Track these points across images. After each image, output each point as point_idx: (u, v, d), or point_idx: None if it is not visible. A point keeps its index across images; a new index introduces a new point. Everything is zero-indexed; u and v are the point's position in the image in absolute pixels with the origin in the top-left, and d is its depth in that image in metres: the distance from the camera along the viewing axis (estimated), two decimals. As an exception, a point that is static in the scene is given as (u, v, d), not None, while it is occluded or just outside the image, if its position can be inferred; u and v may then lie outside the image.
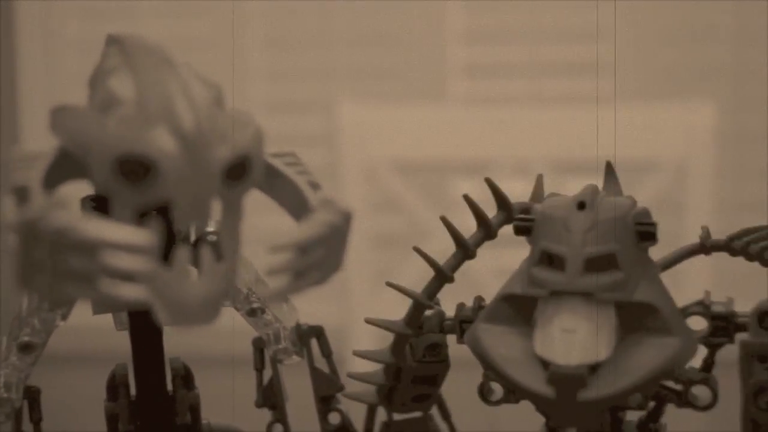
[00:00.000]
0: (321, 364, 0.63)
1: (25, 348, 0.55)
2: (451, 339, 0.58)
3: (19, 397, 0.56)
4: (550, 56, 1.89)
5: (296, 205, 0.49)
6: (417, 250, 0.57)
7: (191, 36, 1.93)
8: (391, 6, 1.91)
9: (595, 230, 0.50)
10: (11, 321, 0.56)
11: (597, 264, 0.50)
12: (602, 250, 0.50)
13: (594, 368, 0.49)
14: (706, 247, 0.55)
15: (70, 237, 0.39)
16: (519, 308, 0.52)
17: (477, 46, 1.93)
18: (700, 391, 0.55)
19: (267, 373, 0.62)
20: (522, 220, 0.53)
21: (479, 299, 0.57)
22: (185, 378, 0.58)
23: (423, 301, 0.57)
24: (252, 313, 0.59)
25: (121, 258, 0.40)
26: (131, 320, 0.56)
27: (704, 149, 1.63)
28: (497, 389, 0.57)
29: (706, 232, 0.55)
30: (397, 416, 0.63)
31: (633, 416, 0.57)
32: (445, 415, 0.64)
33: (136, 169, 0.42)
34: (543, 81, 1.90)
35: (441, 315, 0.58)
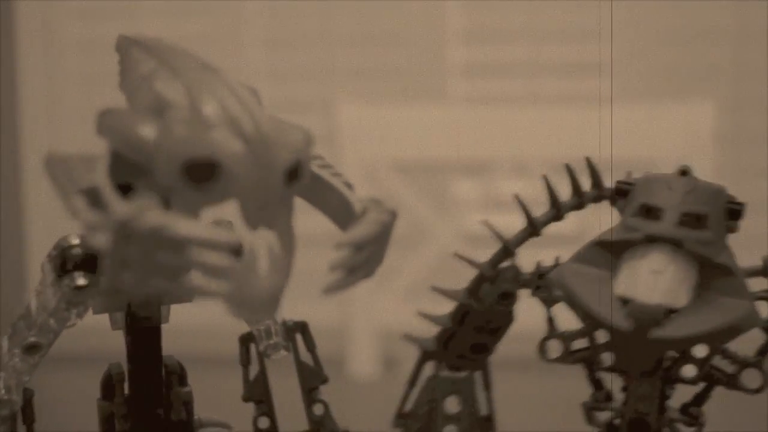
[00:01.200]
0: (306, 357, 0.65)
1: (31, 348, 0.56)
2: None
3: (20, 399, 0.56)
4: (550, 56, 1.89)
5: (338, 209, 0.51)
6: (486, 223, 0.61)
7: (191, 36, 1.93)
8: (391, 6, 1.91)
9: (694, 193, 0.56)
10: (13, 323, 0.56)
11: (690, 221, 0.55)
12: (698, 209, 0.55)
13: (671, 312, 0.54)
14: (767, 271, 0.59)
15: (164, 235, 0.41)
16: (608, 254, 0.56)
17: (477, 46, 1.93)
18: (751, 376, 0.57)
19: (252, 369, 0.64)
20: (623, 183, 0.58)
21: (558, 259, 0.60)
22: (179, 375, 0.58)
23: (509, 246, 0.61)
24: None
25: (207, 254, 0.42)
26: (130, 319, 0.56)
27: (704, 149, 1.63)
28: (554, 347, 0.59)
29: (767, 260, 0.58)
30: (444, 374, 0.65)
31: (676, 402, 0.59)
32: (487, 384, 0.66)
33: (201, 171, 0.43)
34: (543, 81, 1.90)
35: (516, 268, 0.62)
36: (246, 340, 0.63)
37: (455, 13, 1.93)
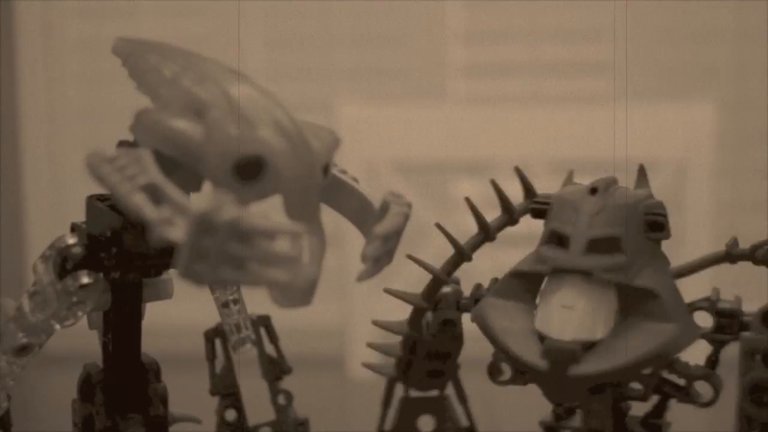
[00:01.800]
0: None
1: (22, 350, 0.55)
2: (466, 319, 0.60)
3: (6, 403, 0.57)
4: (550, 56, 1.89)
5: (358, 209, 0.54)
6: (438, 225, 0.60)
7: (191, 36, 1.93)
8: (391, 6, 1.91)
9: (602, 214, 0.52)
10: (1, 327, 0.56)
11: (600, 246, 0.52)
12: (606, 232, 0.52)
13: (590, 346, 0.51)
14: (732, 256, 0.56)
15: (242, 227, 0.43)
16: (527, 285, 0.54)
17: (477, 46, 1.93)
18: (703, 388, 0.55)
19: (217, 364, 0.66)
20: (538, 203, 0.56)
21: (495, 280, 0.58)
22: (155, 372, 0.59)
23: (441, 277, 0.59)
24: (225, 305, 0.62)
25: (278, 244, 0.44)
26: (114, 317, 0.57)
27: (704, 149, 1.63)
28: (506, 369, 0.58)
29: (733, 242, 0.55)
30: (415, 394, 0.65)
31: (638, 411, 0.58)
32: (462, 398, 0.65)
33: (249, 168, 0.45)
34: (543, 81, 1.90)
35: (458, 293, 0.60)
36: (211, 335, 0.65)
37: (455, 13, 1.93)
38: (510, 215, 0.58)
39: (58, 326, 0.55)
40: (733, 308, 0.55)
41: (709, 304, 0.55)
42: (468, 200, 0.59)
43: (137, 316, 0.57)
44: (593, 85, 1.90)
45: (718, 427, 0.68)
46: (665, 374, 0.56)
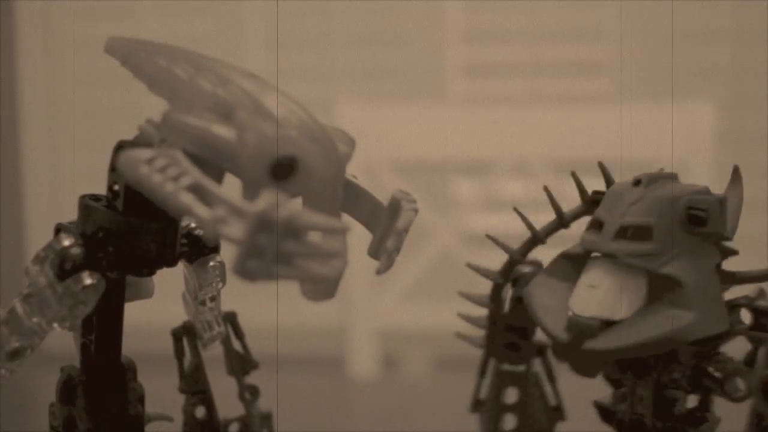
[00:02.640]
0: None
1: (14, 354, 0.55)
2: None
3: None
4: (550, 56, 1.89)
5: (368, 211, 0.56)
6: (489, 236, 0.64)
7: (191, 36, 1.93)
8: (391, 6, 1.91)
9: (640, 203, 0.55)
10: None
11: (631, 233, 0.55)
12: (638, 221, 0.55)
13: (611, 325, 0.54)
14: None
15: (297, 223, 0.45)
16: (574, 266, 0.58)
17: (477, 46, 1.93)
18: (740, 384, 0.57)
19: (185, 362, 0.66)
20: (595, 193, 0.59)
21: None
22: (133, 372, 0.59)
23: (515, 257, 0.63)
24: (203, 302, 0.62)
25: (328, 240, 0.46)
26: (97, 318, 0.56)
27: (704, 149, 1.63)
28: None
29: None
30: (507, 368, 0.68)
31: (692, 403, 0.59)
32: (551, 377, 0.68)
33: (282, 169, 0.47)
34: (543, 81, 1.90)
35: (536, 274, 0.62)
36: (179, 333, 0.65)
37: (455, 13, 1.93)
38: (585, 204, 0.61)
39: (57, 328, 0.55)
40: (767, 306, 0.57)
41: (748, 301, 0.57)
42: (516, 210, 0.62)
43: (120, 315, 0.57)
44: (593, 85, 1.90)
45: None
46: (707, 367, 0.57)
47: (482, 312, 0.67)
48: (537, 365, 0.68)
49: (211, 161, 0.48)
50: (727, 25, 1.85)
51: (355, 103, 1.74)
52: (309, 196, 0.48)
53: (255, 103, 0.48)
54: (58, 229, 0.55)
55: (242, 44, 1.95)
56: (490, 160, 1.72)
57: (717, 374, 0.57)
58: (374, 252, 0.55)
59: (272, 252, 0.45)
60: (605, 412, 0.62)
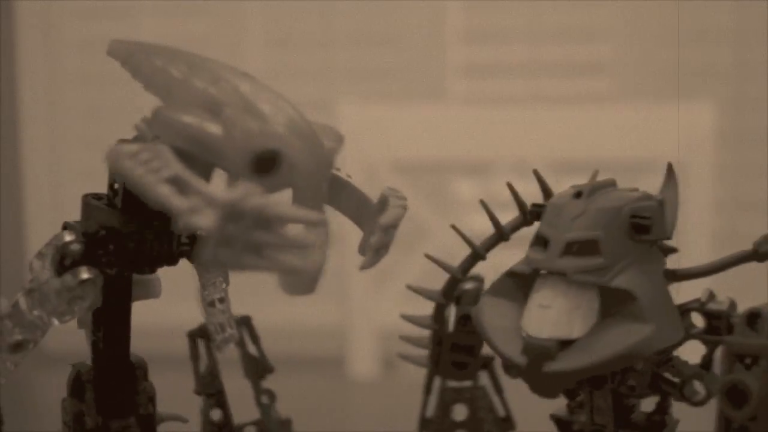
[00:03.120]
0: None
1: (17, 347, 0.56)
2: None
3: None
4: (550, 56, 1.89)
5: (356, 206, 0.56)
6: (454, 227, 0.63)
7: (191, 36, 1.93)
8: (391, 6, 1.91)
9: (583, 217, 0.54)
10: None
11: (578, 248, 0.53)
12: (584, 235, 0.53)
13: (569, 344, 0.53)
14: (759, 254, 0.56)
15: (266, 214, 0.46)
16: (520, 285, 0.56)
17: (477, 46, 1.93)
18: (698, 387, 0.56)
19: (201, 364, 0.66)
20: (535, 207, 0.59)
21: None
22: (144, 371, 0.59)
23: (456, 275, 0.62)
24: (212, 304, 0.62)
25: (301, 231, 0.47)
26: (105, 316, 0.57)
27: (704, 149, 1.63)
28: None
29: (763, 239, 0.56)
30: (452, 384, 0.67)
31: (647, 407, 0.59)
32: (498, 389, 0.68)
33: (266, 163, 0.48)
34: (543, 81, 1.90)
35: (479, 290, 0.63)
36: (194, 335, 0.65)
37: (455, 13, 1.93)
38: (525, 216, 0.60)
39: (56, 322, 0.55)
40: (720, 309, 0.56)
41: (699, 305, 0.56)
42: (483, 202, 0.61)
43: (127, 314, 0.58)
44: (593, 85, 1.90)
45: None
46: (663, 372, 0.56)
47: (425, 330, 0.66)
48: (483, 378, 0.67)
49: (199, 156, 0.49)
50: (727, 25, 1.85)
51: (355, 103, 1.74)
52: (294, 191, 0.49)
53: (244, 100, 0.49)
54: (65, 228, 0.56)
55: (242, 44, 1.95)
56: (490, 160, 1.72)
57: (675, 379, 0.56)
58: (362, 249, 0.55)
59: (243, 241, 0.46)
60: (562, 424, 0.61)
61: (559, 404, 0.61)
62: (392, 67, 1.93)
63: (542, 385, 0.54)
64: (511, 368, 0.57)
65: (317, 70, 1.94)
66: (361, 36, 1.94)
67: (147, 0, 1.97)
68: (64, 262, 0.55)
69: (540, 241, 0.55)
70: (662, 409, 0.58)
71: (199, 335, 0.65)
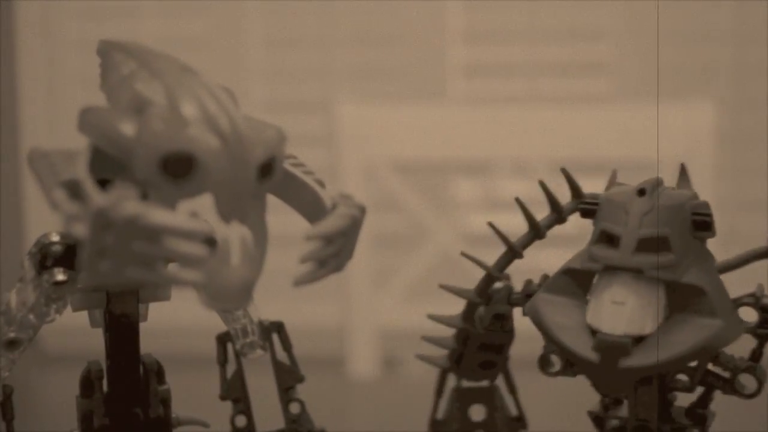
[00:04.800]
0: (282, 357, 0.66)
1: (11, 344, 0.56)
2: (518, 313, 0.62)
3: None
4: (550, 56, 1.89)
5: (309, 205, 0.52)
6: (491, 225, 0.61)
7: (191, 36, 1.93)
8: (391, 6, 1.91)
9: (651, 214, 0.55)
10: None
11: (649, 245, 0.54)
12: (655, 232, 0.54)
13: (639, 340, 0.54)
14: None
15: (140, 223, 0.42)
16: (578, 282, 0.57)
17: (477, 46, 1.93)
18: (747, 380, 0.57)
19: (229, 369, 0.65)
20: (587, 203, 0.58)
21: (545, 277, 0.60)
22: (157, 373, 0.59)
23: (493, 273, 0.61)
24: (227, 309, 0.61)
25: (183, 243, 0.43)
26: (109, 316, 0.57)
27: (704, 149, 1.63)
28: (556, 361, 0.60)
29: None
30: (466, 384, 0.67)
31: (684, 402, 0.60)
32: (512, 388, 0.67)
33: (178, 166, 0.44)
34: (543, 81, 1.90)
35: (509, 288, 0.62)
36: (223, 339, 0.64)
37: (455, 13, 1.93)
38: (559, 214, 0.60)
39: (37, 321, 0.55)
40: None
41: (754, 300, 0.57)
42: (518, 200, 0.60)
43: (134, 315, 0.57)
44: (593, 85, 1.90)
45: (756, 419, 0.69)
46: (710, 367, 0.58)
47: (452, 310, 0.65)
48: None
49: (118, 158, 0.46)
50: (727, 24, 1.85)
51: (355, 103, 1.74)
52: (213, 196, 0.46)
53: (171, 99, 0.46)
54: None
55: (242, 44, 1.95)
56: (490, 160, 1.72)
57: (725, 373, 0.57)
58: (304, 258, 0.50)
59: (122, 252, 0.43)
60: (599, 421, 0.61)
61: (567, 401, 0.61)
62: (392, 67, 1.93)
63: (614, 381, 0.55)
64: (573, 366, 0.57)
65: (317, 70, 1.94)
66: (361, 36, 1.94)
67: (147, 0, 1.97)
68: (44, 262, 0.55)
69: (605, 238, 0.55)
70: (704, 402, 0.59)
71: (228, 339, 0.64)
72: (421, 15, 1.91)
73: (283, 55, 1.95)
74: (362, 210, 0.52)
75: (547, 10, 1.88)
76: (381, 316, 1.67)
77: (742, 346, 0.57)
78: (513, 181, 1.75)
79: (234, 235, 0.45)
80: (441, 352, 0.66)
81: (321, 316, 1.78)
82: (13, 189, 1.98)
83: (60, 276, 0.55)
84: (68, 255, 0.55)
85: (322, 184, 0.53)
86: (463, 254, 0.62)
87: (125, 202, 0.43)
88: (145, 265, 0.43)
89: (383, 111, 1.75)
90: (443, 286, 0.63)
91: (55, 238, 0.55)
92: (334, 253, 0.50)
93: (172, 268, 0.43)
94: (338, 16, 1.94)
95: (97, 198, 0.43)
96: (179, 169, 0.44)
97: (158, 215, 0.43)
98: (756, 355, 0.57)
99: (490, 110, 1.78)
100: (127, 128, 0.45)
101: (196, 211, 0.45)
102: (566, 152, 1.62)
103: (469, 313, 0.63)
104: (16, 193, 1.99)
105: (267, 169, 0.47)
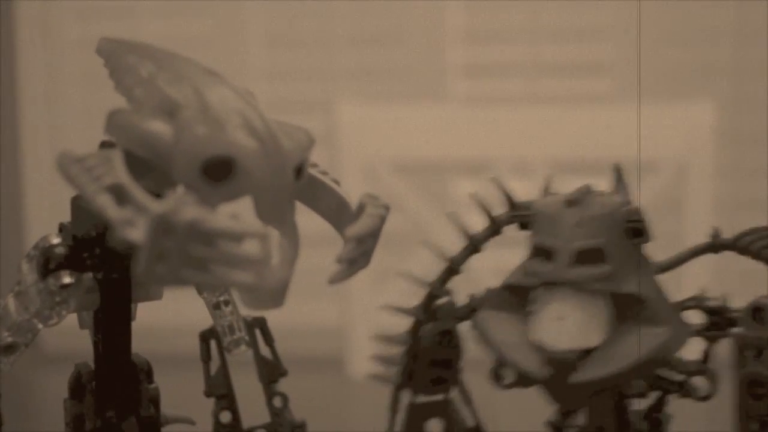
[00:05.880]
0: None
1: (8, 349, 0.56)
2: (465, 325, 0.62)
3: None
4: (550, 56, 1.89)
5: (335, 209, 0.53)
6: (425, 244, 0.63)
7: (191, 36, 1.93)
8: (391, 6, 1.91)
9: (583, 225, 0.53)
10: None
11: (584, 257, 0.53)
12: (589, 243, 0.53)
13: (587, 353, 0.53)
14: (715, 246, 0.57)
15: (200, 228, 0.43)
16: (518, 297, 0.56)
17: (477, 46, 1.93)
18: (700, 383, 0.57)
19: (212, 365, 0.65)
20: (519, 216, 0.58)
21: (489, 290, 0.59)
22: (147, 373, 0.59)
23: (434, 290, 0.61)
24: (217, 306, 0.62)
25: (239, 246, 0.43)
26: (103, 316, 0.57)
27: (704, 149, 1.63)
28: (507, 375, 0.59)
29: (716, 232, 0.56)
30: (421, 399, 0.66)
31: (640, 407, 0.59)
32: (467, 400, 0.67)
33: (218, 170, 0.45)
34: (543, 81, 1.90)
35: (452, 304, 0.62)
36: (206, 336, 0.64)
37: (455, 13, 1.93)
38: (494, 225, 0.60)
39: (40, 326, 0.55)
40: (720, 305, 0.56)
41: (697, 303, 0.57)
42: (473, 196, 0.61)
43: (126, 315, 0.57)
44: (593, 85, 1.90)
45: (714, 420, 0.69)
46: (662, 371, 0.57)
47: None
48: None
49: (154, 163, 0.46)
50: (727, 24, 1.85)
51: (355, 103, 1.74)
52: (253, 199, 0.46)
53: (202, 101, 0.46)
54: (61, 229, 0.56)
55: (242, 44, 1.95)
56: (490, 160, 1.72)
57: (677, 377, 0.57)
58: (339, 258, 0.51)
59: (180, 256, 0.43)
60: (557, 430, 0.61)
61: (526, 407, 0.61)
62: (392, 67, 1.93)
63: (566, 395, 0.55)
64: (526, 381, 0.57)
65: (317, 70, 1.94)
66: (361, 36, 1.94)
67: (147, 0, 1.97)
68: (48, 264, 0.55)
69: (541, 252, 0.55)
70: (659, 407, 0.59)
71: (211, 336, 0.65)
72: (421, 15, 1.91)
73: (284, 55, 1.95)
74: (388, 209, 0.53)
75: (547, 10, 1.88)
76: (381, 316, 1.67)
77: (688, 348, 0.57)
78: (513, 181, 1.74)
79: (274, 237, 0.45)
80: (396, 351, 0.66)
81: (320, 316, 1.78)
82: (13, 189, 1.98)
83: (67, 278, 0.54)
84: (72, 257, 0.55)
85: (338, 183, 0.54)
86: (400, 273, 0.63)
87: (185, 207, 0.43)
88: (200, 268, 0.43)
89: (383, 111, 1.75)
90: (387, 306, 0.64)
91: (55, 240, 0.55)
92: (364, 252, 0.51)
93: (221, 270, 0.44)
94: (338, 16, 1.94)
95: (153, 203, 0.43)
96: (220, 173, 0.45)
97: (217, 219, 0.43)
98: (707, 358, 0.57)
99: (490, 110, 1.78)
100: (163, 131, 0.45)
101: (237, 214, 0.45)
102: (566, 152, 1.62)
103: (415, 330, 0.63)
104: (16, 193, 1.99)
105: (298, 171, 0.48)
